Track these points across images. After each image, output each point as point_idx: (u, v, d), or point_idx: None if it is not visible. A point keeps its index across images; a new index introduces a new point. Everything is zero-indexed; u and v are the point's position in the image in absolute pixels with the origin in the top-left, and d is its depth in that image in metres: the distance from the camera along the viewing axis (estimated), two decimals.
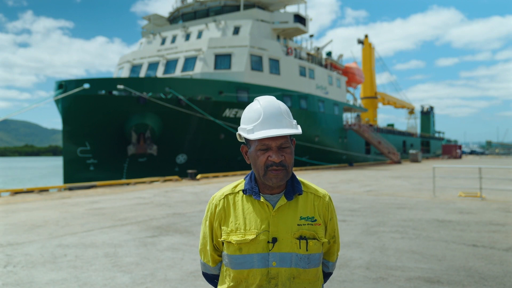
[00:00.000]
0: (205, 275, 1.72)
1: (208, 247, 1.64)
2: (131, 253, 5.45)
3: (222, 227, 1.57)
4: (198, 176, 19.65)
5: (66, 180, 20.42)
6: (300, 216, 1.54)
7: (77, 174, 20.46)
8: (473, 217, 8.15)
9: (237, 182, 1.65)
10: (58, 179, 29.19)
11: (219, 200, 1.60)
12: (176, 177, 19.24)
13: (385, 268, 4.74)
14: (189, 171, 19.38)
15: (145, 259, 5.15)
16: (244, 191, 1.58)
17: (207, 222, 1.63)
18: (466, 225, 7.28)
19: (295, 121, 1.55)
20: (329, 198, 1.64)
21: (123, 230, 6.97)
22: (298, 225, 1.52)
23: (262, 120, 1.48)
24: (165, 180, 18.31)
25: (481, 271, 4.59)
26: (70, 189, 14.86)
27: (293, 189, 1.57)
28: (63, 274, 4.56)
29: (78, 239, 6.32)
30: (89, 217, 8.36)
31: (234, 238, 1.52)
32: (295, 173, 1.66)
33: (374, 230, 6.91)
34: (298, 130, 1.51)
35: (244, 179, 1.63)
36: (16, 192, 13.49)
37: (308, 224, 1.54)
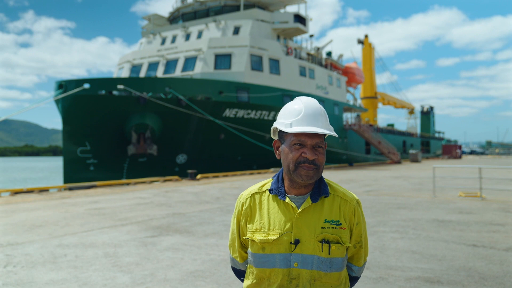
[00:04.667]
0: (234, 270, 1.76)
1: (236, 244, 1.68)
2: (131, 253, 5.44)
3: (248, 225, 1.60)
4: (198, 176, 19.65)
5: (66, 180, 20.42)
6: (325, 219, 1.53)
7: (77, 174, 20.46)
8: (473, 217, 8.15)
9: (264, 181, 1.67)
10: (58, 181, 29.18)
11: (246, 199, 1.63)
12: (176, 177, 19.23)
13: (385, 268, 4.74)
14: (189, 171, 19.37)
15: (145, 259, 5.15)
16: (270, 190, 1.59)
17: (235, 219, 1.67)
18: (466, 225, 7.28)
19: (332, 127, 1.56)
20: (357, 202, 1.62)
21: (123, 230, 6.97)
22: (322, 228, 1.52)
23: (302, 116, 1.50)
24: (165, 180, 18.30)
25: (481, 271, 4.59)
26: (70, 189, 14.86)
27: (319, 191, 1.56)
28: (63, 274, 4.56)
29: (78, 239, 6.32)
30: (89, 217, 8.36)
31: (257, 237, 1.54)
32: None
33: (374, 230, 6.91)
34: (335, 133, 1.51)
35: (272, 178, 1.64)
36: (16, 192, 13.49)
37: (332, 227, 1.53)
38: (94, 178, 19.61)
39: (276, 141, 1.60)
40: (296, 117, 1.50)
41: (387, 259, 5.11)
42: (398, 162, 39.26)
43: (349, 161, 35.82)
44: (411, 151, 44.53)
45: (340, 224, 1.54)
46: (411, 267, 4.76)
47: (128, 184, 16.97)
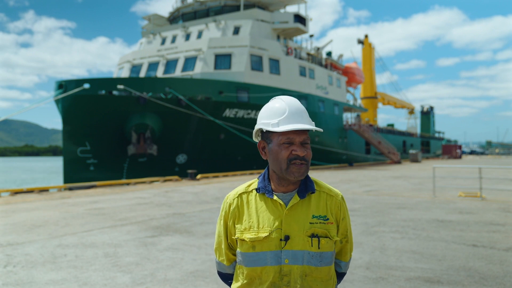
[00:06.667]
0: (220, 274, 1.75)
1: (223, 246, 1.67)
2: (131, 253, 5.44)
3: (236, 225, 1.60)
4: (198, 176, 19.65)
5: (66, 180, 20.42)
6: (312, 215, 1.56)
7: (77, 174, 20.45)
8: (473, 217, 8.15)
9: (251, 181, 1.68)
10: (58, 181, 29.16)
11: (233, 199, 1.63)
12: (176, 177, 19.24)
13: (385, 268, 4.74)
14: (189, 171, 19.38)
15: (145, 259, 5.15)
16: (257, 189, 1.61)
17: (222, 221, 1.66)
18: (466, 225, 7.28)
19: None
20: (342, 197, 1.66)
21: (123, 230, 6.97)
22: (310, 223, 1.54)
23: (288, 115, 1.52)
24: (165, 180, 18.31)
25: (481, 271, 4.59)
26: (70, 189, 14.86)
27: (306, 187, 1.59)
28: (63, 274, 4.56)
29: (78, 239, 6.32)
30: (89, 217, 8.36)
31: (247, 236, 1.55)
32: None
33: (374, 230, 6.91)
34: (319, 128, 1.55)
35: (258, 178, 1.66)
36: (16, 192, 13.49)
37: (320, 222, 1.56)
38: (94, 178, 19.60)
39: (261, 141, 1.61)
40: (281, 116, 1.52)
41: (387, 259, 5.11)
42: (398, 162, 39.25)
43: (349, 161, 35.80)
44: (411, 151, 44.52)
45: (328, 219, 1.57)
46: (411, 267, 4.76)
47: (128, 184, 16.97)
